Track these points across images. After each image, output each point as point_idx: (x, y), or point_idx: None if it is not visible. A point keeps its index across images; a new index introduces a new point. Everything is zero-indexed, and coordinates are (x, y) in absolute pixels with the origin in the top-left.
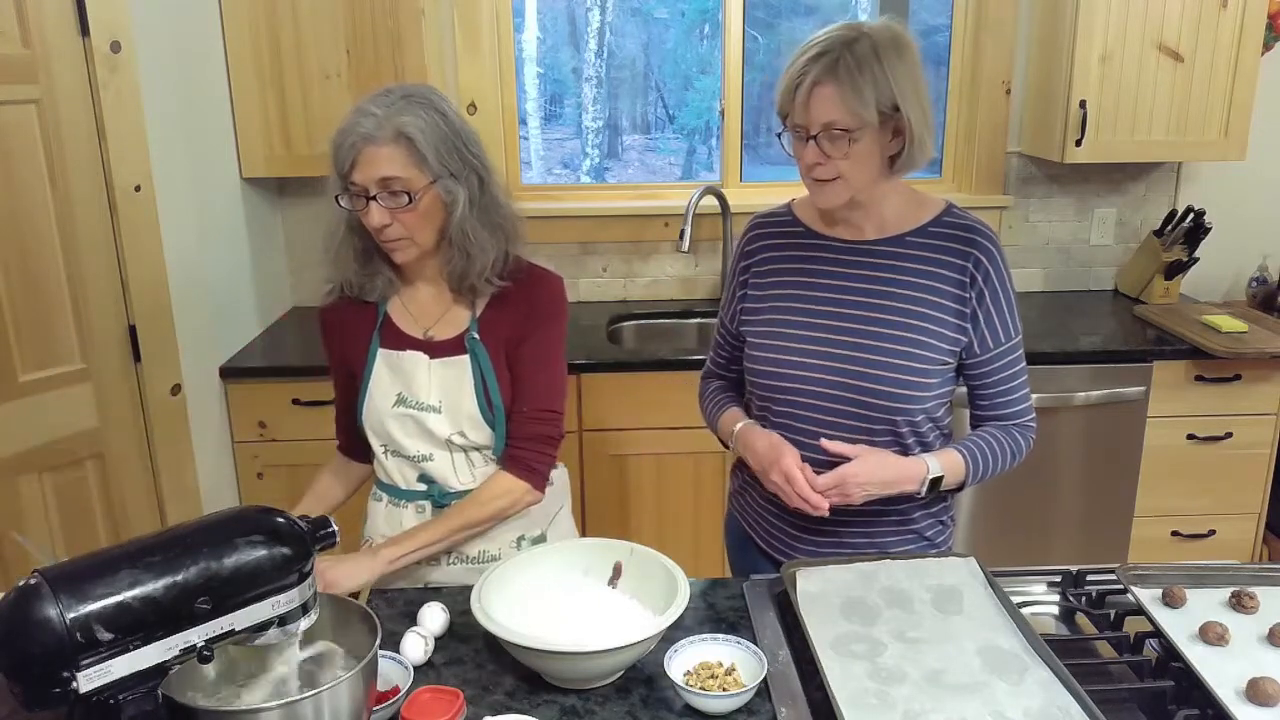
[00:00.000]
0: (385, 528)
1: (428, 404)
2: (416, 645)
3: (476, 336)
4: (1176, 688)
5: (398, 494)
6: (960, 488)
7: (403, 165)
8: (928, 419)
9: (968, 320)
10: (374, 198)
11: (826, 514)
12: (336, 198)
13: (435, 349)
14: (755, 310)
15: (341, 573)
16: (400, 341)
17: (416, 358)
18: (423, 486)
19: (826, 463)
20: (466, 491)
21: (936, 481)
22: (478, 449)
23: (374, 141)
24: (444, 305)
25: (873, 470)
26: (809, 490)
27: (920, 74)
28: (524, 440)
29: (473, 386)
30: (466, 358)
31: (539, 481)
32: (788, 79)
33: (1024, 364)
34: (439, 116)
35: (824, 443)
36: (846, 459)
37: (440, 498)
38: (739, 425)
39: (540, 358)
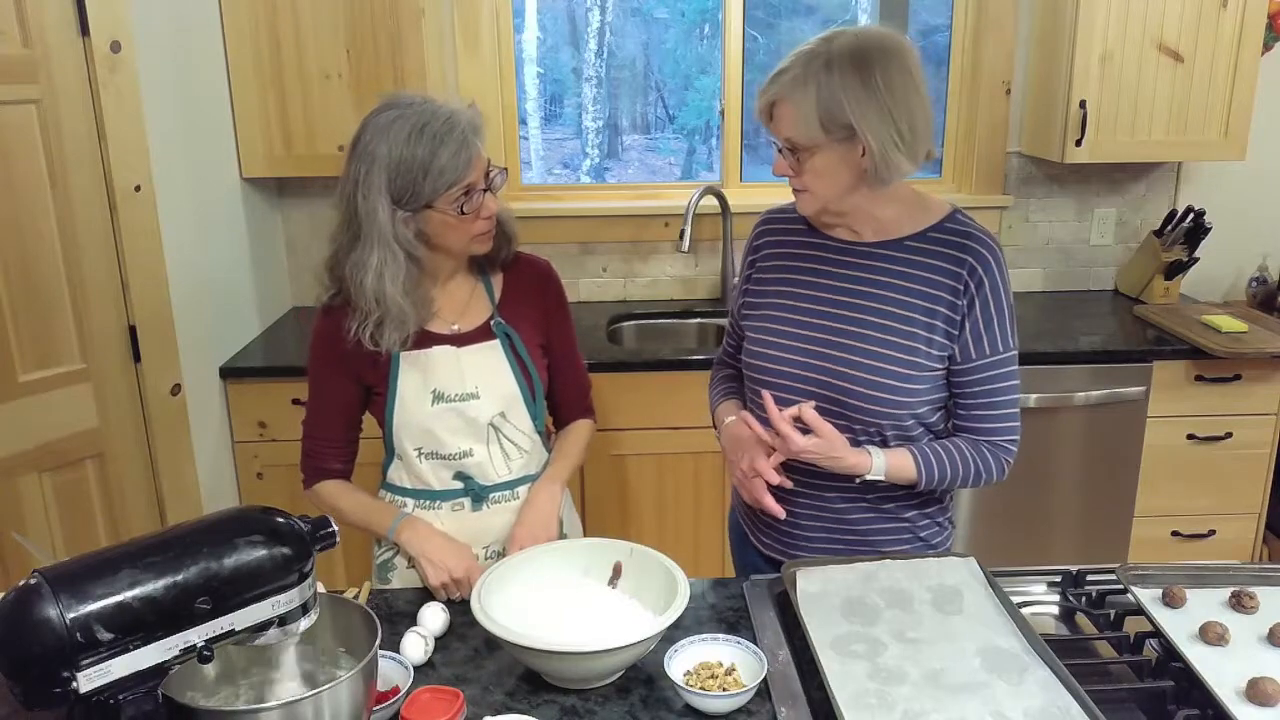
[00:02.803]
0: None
1: (465, 393)
2: (416, 645)
3: (502, 321)
4: (1176, 688)
5: (430, 496)
6: (911, 487)
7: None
8: (918, 423)
9: (956, 328)
10: (486, 188)
11: (782, 515)
12: (413, 226)
13: (462, 339)
14: (755, 305)
15: (536, 526)
16: (424, 340)
17: (445, 351)
18: (459, 484)
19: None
20: (504, 484)
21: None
22: (513, 438)
23: (478, 135)
24: (464, 297)
25: (823, 451)
26: (765, 496)
27: (891, 90)
28: (581, 398)
29: (510, 368)
30: (496, 342)
31: (595, 417)
32: (764, 89)
33: (1013, 382)
34: None
35: (802, 408)
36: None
37: (481, 491)
38: (729, 419)
39: (571, 337)
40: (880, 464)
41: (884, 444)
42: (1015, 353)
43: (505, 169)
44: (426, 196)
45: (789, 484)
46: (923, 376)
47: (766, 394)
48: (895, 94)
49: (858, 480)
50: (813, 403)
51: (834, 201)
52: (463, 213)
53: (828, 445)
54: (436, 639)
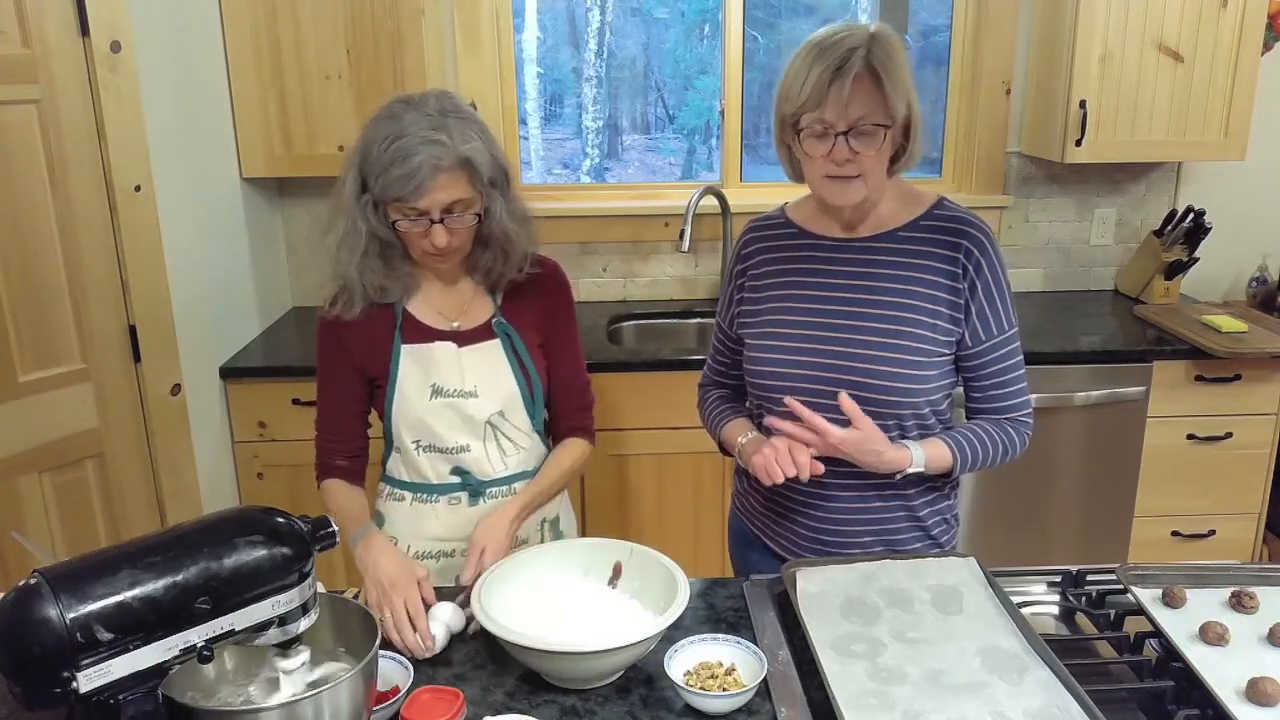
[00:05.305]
0: (406, 527)
1: (464, 390)
2: (439, 628)
3: (504, 321)
4: (1176, 688)
5: (427, 490)
6: (947, 475)
7: (466, 188)
8: (932, 411)
9: (961, 312)
10: (439, 221)
11: (821, 469)
12: (378, 216)
13: (464, 337)
14: (753, 313)
15: (489, 536)
16: (426, 335)
17: (446, 347)
18: (456, 479)
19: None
20: (501, 479)
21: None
22: (510, 436)
23: (444, 170)
24: (466, 297)
25: (862, 445)
26: (787, 459)
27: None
28: (579, 410)
29: (509, 367)
30: (497, 341)
31: (593, 439)
32: (819, 73)
33: (1019, 358)
34: (484, 131)
35: (842, 397)
36: (840, 423)
37: (478, 486)
38: (742, 440)
39: (571, 340)
40: (920, 455)
41: (904, 437)
42: (1017, 329)
43: (479, 214)
44: (377, 194)
45: (821, 469)
46: (933, 362)
47: (790, 399)
48: None
49: (897, 476)
50: (844, 392)
51: (877, 188)
52: (403, 226)
53: (866, 438)
54: (453, 634)
